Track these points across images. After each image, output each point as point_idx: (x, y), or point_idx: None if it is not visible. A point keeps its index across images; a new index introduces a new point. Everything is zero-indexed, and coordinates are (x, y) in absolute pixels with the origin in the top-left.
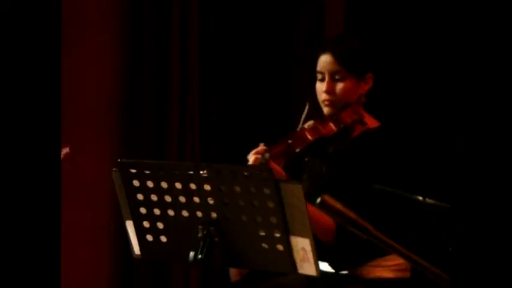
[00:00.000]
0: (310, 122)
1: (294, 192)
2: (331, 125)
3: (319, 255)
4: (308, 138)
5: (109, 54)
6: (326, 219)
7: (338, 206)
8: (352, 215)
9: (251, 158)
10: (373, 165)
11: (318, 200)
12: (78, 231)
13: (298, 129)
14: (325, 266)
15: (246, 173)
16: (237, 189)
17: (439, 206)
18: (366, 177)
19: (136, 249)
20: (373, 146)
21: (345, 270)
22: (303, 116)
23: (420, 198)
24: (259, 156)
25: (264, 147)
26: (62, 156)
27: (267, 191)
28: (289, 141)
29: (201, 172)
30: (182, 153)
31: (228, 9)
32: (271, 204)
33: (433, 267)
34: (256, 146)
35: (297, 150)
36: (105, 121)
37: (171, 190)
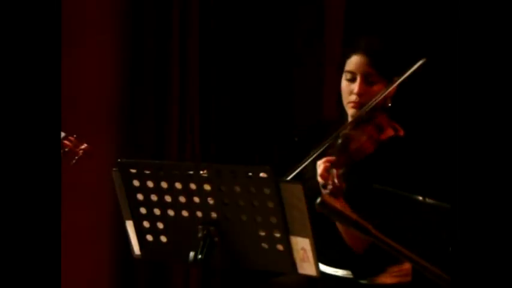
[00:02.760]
0: (347, 127)
1: (294, 192)
2: (375, 131)
3: (342, 264)
4: (369, 149)
5: (109, 54)
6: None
7: (338, 205)
8: (352, 215)
9: (321, 169)
10: (402, 173)
11: (318, 200)
12: (78, 231)
13: (340, 131)
14: (325, 268)
15: (246, 173)
16: (237, 189)
17: (439, 206)
18: (393, 184)
19: (136, 249)
20: (403, 154)
21: (365, 279)
22: (354, 119)
23: (420, 198)
24: (328, 166)
25: (329, 159)
26: (81, 152)
27: (267, 191)
28: (349, 151)
29: (201, 172)
30: (182, 153)
31: (228, 9)
32: (271, 204)
33: (433, 267)
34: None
35: (357, 160)
36: (105, 121)
37: (171, 190)
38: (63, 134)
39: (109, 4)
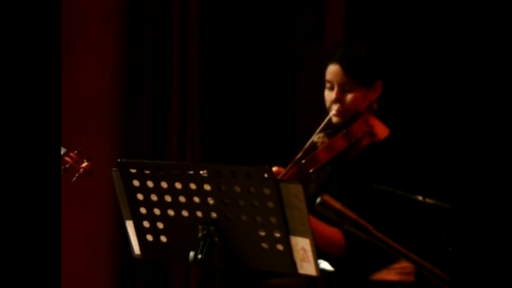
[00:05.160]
0: (321, 135)
1: (294, 192)
2: (343, 140)
3: (323, 255)
4: (321, 160)
5: (109, 54)
6: (334, 234)
7: (338, 206)
8: (352, 215)
9: None
10: (377, 180)
11: (318, 200)
12: (78, 231)
13: (311, 139)
14: (327, 265)
15: (246, 173)
16: (237, 189)
17: (439, 206)
18: (368, 189)
19: (136, 249)
20: (379, 161)
21: (357, 278)
22: (321, 126)
23: (420, 198)
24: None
25: (279, 169)
26: (81, 170)
27: (267, 191)
28: (303, 161)
29: (201, 172)
30: (182, 153)
31: (228, 10)
32: (271, 204)
33: (433, 267)
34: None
35: (310, 171)
36: (105, 121)
37: (171, 190)
38: (64, 150)
39: (109, 4)
